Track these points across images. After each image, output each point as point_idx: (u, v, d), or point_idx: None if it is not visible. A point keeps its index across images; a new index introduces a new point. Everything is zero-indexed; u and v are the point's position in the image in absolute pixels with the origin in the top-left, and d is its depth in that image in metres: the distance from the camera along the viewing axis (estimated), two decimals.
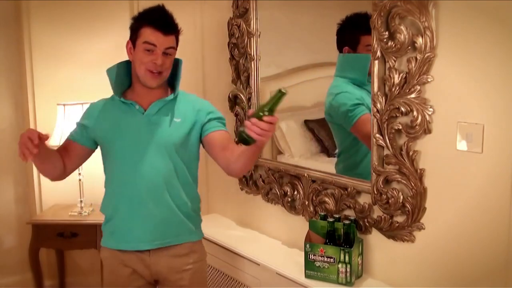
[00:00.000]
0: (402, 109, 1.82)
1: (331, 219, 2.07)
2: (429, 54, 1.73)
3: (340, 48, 2.21)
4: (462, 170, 1.71)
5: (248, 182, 2.68)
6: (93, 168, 3.05)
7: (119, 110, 1.90)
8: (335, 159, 2.34)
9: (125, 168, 1.86)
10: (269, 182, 2.54)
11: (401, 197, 1.89)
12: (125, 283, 1.91)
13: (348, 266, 1.98)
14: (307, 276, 2.09)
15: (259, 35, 2.54)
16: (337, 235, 2.06)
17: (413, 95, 1.79)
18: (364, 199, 2.08)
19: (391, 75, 1.84)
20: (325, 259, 2.03)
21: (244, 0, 2.55)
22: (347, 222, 2.05)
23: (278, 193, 2.49)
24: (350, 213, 2.14)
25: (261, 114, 1.54)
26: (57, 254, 3.22)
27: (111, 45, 3.10)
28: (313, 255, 2.06)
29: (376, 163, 1.95)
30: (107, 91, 3.15)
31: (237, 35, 2.62)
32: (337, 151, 2.36)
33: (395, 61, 1.84)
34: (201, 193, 2.07)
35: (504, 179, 1.60)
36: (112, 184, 1.92)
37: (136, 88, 1.91)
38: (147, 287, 1.95)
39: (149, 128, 1.86)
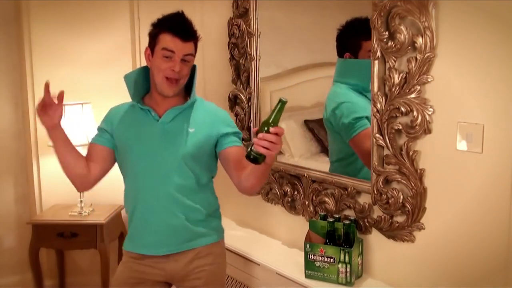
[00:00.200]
0: (402, 109, 1.82)
1: (331, 219, 2.07)
2: (429, 54, 1.73)
3: (340, 53, 2.19)
4: (462, 170, 1.71)
5: None
6: None
7: (136, 116, 1.90)
8: None
9: (138, 176, 1.87)
10: (269, 182, 2.54)
11: (401, 197, 1.89)
12: (127, 279, 1.92)
13: (348, 266, 1.98)
14: (307, 276, 2.09)
15: (259, 35, 2.54)
16: (337, 235, 2.06)
17: (413, 95, 1.79)
18: (364, 199, 2.08)
19: (391, 75, 1.84)
20: (325, 259, 2.03)
21: (244, 0, 2.55)
22: (347, 222, 2.05)
23: (278, 193, 2.49)
24: (350, 213, 2.14)
25: (266, 128, 1.54)
26: (57, 254, 3.22)
27: (111, 45, 3.10)
28: (313, 255, 2.06)
29: (376, 163, 1.95)
30: (107, 91, 3.17)
31: (237, 35, 2.62)
32: (332, 157, 2.34)
33: (395, 61, 1.84)
34: None
35: (504, 179, 1.60)
36: (128, 189, 1.93)
37: (154, 95, 1.90)
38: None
39: (162, 136, 1.86)
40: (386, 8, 1.83)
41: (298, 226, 2.37)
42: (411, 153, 1.83)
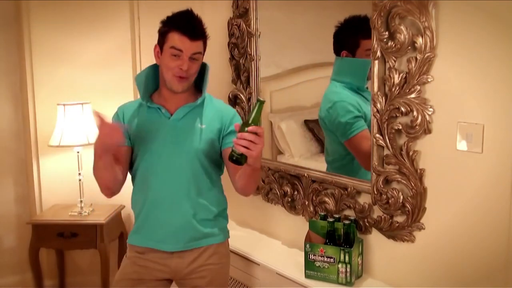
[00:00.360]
0: (402, 109, 1.82)
1: (331, 219, 2.07)
2: (429, 54, 1.73)
3: (337, 51, 2.18)
4: (462, 170, 1.71)
5: None
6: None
7: (146, 114, 1.91)
8: None
9: (150, 172, 1.87)
10: (269, 182, 2.54)
11: (401, 197, 1.89)
12: (132, 274, 1.93)
13: (348, 266, 1.98)
14: (307, 276, 2.09)
15: (259, 35, 2.54)
16: (337, 235, 2.06)
17: (413, 95, 1.79)
18: (364, 199, 2.08)
19: (391, 75, 1.84)
20: (325, 259, 2.03)
21: (244, 0, 2.55)
22: (347, 222, 2.05)
23: (278, 193, 2.49)
24: (350, 213, 2.14)
25: (245, 128, 1.57)
26: (57, 254, 3.22)
27: (111, 45, 3.10)
28: (313, 255, 2.06)
29: (376, 163, 1.95)
30: (107, 91, 3.17)
31: (237, 35, 2.62)
32: (327, 157, 2.34)
33: (395, 61, 1.84)
34: None
35: (504, 179, 1.60)
36: (138, 185, 1.94)
37: (163, 92, 1.91)
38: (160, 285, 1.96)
39: (174, 133, 1.87)
40: (386, 8, 1.83)
41: (298, 226, 2.37)
42: (411, 153, 1.83)
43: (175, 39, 1.79)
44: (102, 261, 2.91)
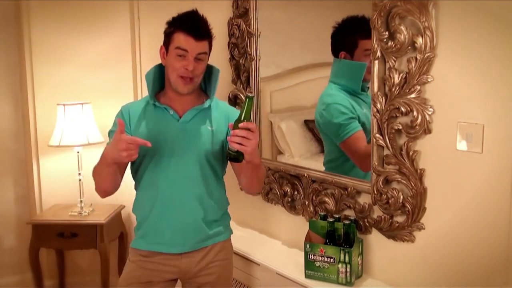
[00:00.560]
0: (402, 109, 1.82)
1: (331, 219, 2.07)
2: (429, 54, 1.73)
3: (335, 52, 2.18)
4: (462, 170, 1.71)
5: None
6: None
7: (153, 114, 1.90)
8: None
9: (159, 175, 1.87)
10: (269, 182, 2.54)
11: (401, 197, 1.89)
12: (140, 278, 1.92)
13: (348, 266, 1.98)
14: (307, 276, 2.09)
15: (259, 35, 2.54)
16: (337, 235, 2.06)
17: (413, 95, 1.79)
18: (364, 199, 2.08)
19: (391, 75, 1.84)
20: (325, 259, 2.03)
21: (244, 0, 2.55)
22: (347, 222, 2.05)
23: (278, 193, 2.49)
24: (350, 213, 2.14)
25: (237, 125, 1.61)
26: (57, 254, 3.22)
27: (111, 45, 3.10)
28: (313, 255, 2.06)
29: (376, 163, 1.95)
30: (107, 91, 3.17)
31: (237, 35, 2.62)
32: (324, 158, 2.35)
33: (395, 61, 1.84)
34: None
35: (504, 179, 1.60)
36: (145, 188, 1.92)
37: (169, 93, 1.90)
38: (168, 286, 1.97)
39: (183, 135, 1.87)
40: (386, 8, 1.83)
41: (298, 226, 2.37)
42: (411, 153, 1.83)
43: (181, 39, 1.79)
44: (102, 261, 2.91)
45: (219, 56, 2.81)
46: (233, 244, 2.46)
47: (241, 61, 2.63)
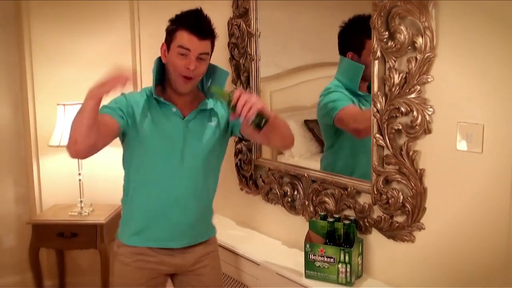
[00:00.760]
0: (402, 109, 1.82)
1: (331, 219, 2.07)
2: (429, 54, 1.73)
3: (343, 52, 2.18)
4: (462, 170, 1.71)
5: (248, 182, 2.68)
6: (93, 168, 3.06)
7: (157, 109, 1.87)
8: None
9: (160, 171, 1.86)
10: (269, 182, 2.54)
11: (401, 197, 1.89)
12: (138, 280, 1.92)
13: (348, 266, 1.98)
14: (307, 276, 2.09)
15: (259, 35, 2.54)
16: (337, 235, 2.06)
17: (413, 95, 1.79)
18: (364, 199, 2.08)
19: (391, 75, 1.84)
20: (325, 259, 2.03)
21: (244, 0, 2.55)
22: (347, 222, 2.05)
23: (278, 193, 2.49)
24: (350, 213, 2.14)
25: (231, 105, 1.60)
26: (57, 254, 3.22)
27: (111, 45, 3.10)
28: (313, 255, 2.06)
29: (376, 163, 1.95)
30: None
31: (237, 35, 2.62)
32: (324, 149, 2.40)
33: (395, 61, 1.84)
34: None
35: (504, 179, 1.60)
36: (145, 183, 1.89)
37: (168, 90, 1.90)
38: (161, 281, 1.98)
39: (187, 134, 1.87)
40: (386, 8, 1.83)
41: (298, 226, 2.37)
42: (411, 153, 1.83)
43: (184, 37, 1.78)
44: (102, 261, 2.91)
45: (219, 56, 2.81)
46: (233, 244, 2.48)
47: (241, 61, 2.63)
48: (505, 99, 1.57)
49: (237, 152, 2.71)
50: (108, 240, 2.93)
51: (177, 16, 1.85)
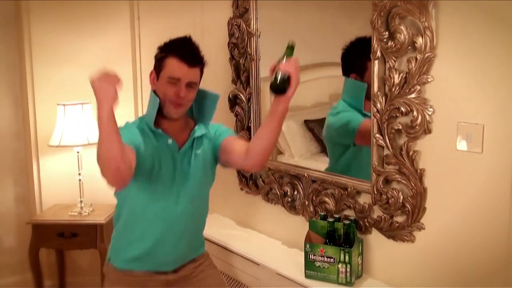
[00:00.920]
0: (402, 109, 1.82)
1: (331, 219, 2.07)
2: (429, 54, 1.73)
3: (346, 73, 2.18)
4: (462, 170, 1.71)
5: (248, 182, 2.68)
6: (93, 168, 3.05)
7: (154, 139, 1.84)
8: None
9: (159, 201, 1.85)
10: (269, 182, 2.54)
11: (401, 197, 1.89)
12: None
13: (348, 266, 1.98)
14: (307, 276, 2.09)
15: (259, 35, 2.54)
16: (337, 235, 2.06)
17: (413, 95, 1.79)
18: (364, 199, 2.08)
19: (391, 75, 1.84)
20: (325, 259, 2.03)
21: (244, 0, 2.55)
22: (347, 222, 2.05)
23: (278, 193, 2.49)
24: (350, 213, 2.14)
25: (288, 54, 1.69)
26: (57, 254, 3.22)
27: (111, 45, 3.10)
28: (313, 255, 2.06)
29: (376, 163, 1.95)
30: None
31: (237, 35, 2.62)
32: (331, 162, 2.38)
33: (395, 61, 1.84)
34: None
35: (504, 179, 1.60)
36: (141, 212, 1.87)
37: (158, 117, 1.84)
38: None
39: (181, 164, 1.86)
40: (386, 8, 1.83)
41: (298, 226, 2.37)
42: (411, 153, 1.83)
43: (174, 65, 1.77)
44: (102, 261, 2.91)
45: (219, 56, 2.81)
46: (233, 244, 2.48)
47: (241, 61, 2.63)
48: (505, 99, 1.58)
49: None
50: (108, 240, 2.92)
51: (166, 43, 1.83)
